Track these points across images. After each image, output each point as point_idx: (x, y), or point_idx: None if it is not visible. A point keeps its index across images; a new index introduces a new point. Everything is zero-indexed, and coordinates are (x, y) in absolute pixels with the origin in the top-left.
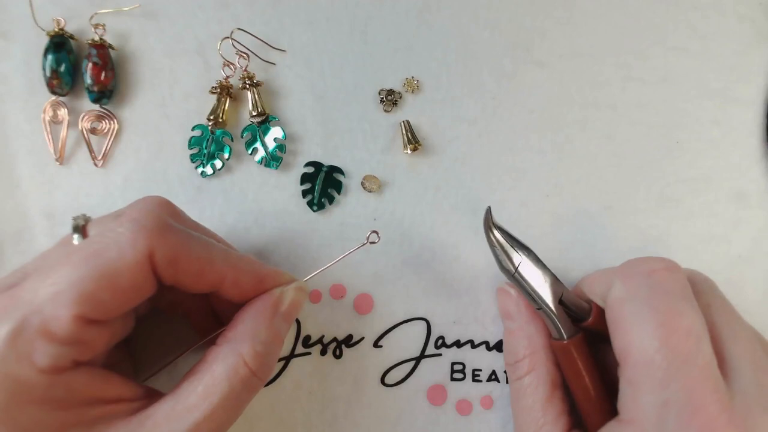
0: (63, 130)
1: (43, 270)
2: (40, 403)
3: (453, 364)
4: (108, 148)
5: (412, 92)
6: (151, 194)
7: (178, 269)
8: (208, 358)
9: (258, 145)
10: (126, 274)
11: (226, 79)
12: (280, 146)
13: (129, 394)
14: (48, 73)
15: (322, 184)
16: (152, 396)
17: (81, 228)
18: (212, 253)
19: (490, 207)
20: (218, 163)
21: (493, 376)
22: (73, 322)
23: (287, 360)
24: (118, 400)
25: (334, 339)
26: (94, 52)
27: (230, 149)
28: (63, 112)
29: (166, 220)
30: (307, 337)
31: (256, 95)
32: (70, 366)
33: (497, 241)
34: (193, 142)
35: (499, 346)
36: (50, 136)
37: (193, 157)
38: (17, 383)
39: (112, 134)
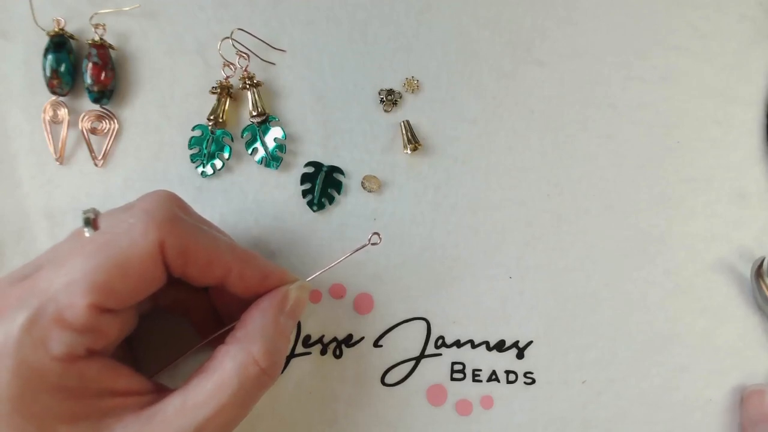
0: (63, 130)
1: (57, 261)
2: (54, 392)
3: (453, 364)
4: (108, 148)
5: (412, 92)
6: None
7: (187, 260)
8: (218, 356)
9: (258, 145)
10: (138, 264)
11: (226, 79)
12: (280, 146)
13: (138, 388)
14: (48, 73)
15: (322, 184)
16: (161, 391)
17: (92, 221)
18: (219, 245)
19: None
20: (218, 163)
21: (493, 376)
22: (87, 311)
23: (287, 360)
24: (128, 393)
25: (334, 339)
26: (94, 52)
27: (230, 149)
28: (63, 112)
29: (175, 212)
30: (308, 337)
31: (256, 95)
32: (83, 354)
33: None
34: (193, 142)
35: (499, 346)
36: (50, 136)
37: (193, 157)
38: (32, 371)
39: (112, 134)
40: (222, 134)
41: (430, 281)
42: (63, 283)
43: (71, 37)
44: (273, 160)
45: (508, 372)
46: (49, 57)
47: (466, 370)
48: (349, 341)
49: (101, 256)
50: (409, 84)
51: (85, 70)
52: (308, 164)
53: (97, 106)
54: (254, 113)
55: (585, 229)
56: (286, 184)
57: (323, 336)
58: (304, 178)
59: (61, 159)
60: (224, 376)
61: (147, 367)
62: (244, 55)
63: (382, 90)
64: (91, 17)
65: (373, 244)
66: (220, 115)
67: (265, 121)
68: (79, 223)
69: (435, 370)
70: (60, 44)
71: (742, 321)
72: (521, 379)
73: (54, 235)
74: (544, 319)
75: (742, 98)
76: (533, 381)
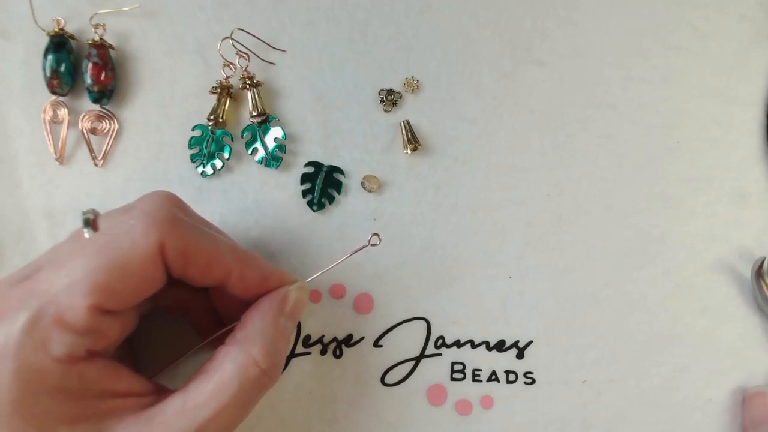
0: (63, 130)
1: (57, 262)
2: (54, 393)
3: (453, 364)
4: (108, 148)
5: (412, 92)
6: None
7: (187, 261)
8: (218, 358)
9: (258, 145)
10: (138, 265)
11: (226, 79)
12: (280, 146)
13: (139, 389)
14: (48, 73)
15: (322, 184)
16: (161, 392)
17: (91, 222)
18: (220, 246)
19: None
20: (218, 163)
21: (493, 376)
22: (87, 312)
23: (287, 360)
24: (129, 394)
25: (334, 339)
26: (94, 52)
27: (230, 149)
28: (63, 112)
29: (176, 213)
30: (307, 337)
31: (256, 95)
32: (84, 356)
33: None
34: (193, 142)
35: (499, 346)
36: (50, 136)
37: (193, 157)
38: (33, 372)
39: (112, 134)
40: (222, 134)
41: (430, 281)
42: (63, 284)
43: (71, 37)
44: (273, 160)
45: (508, 372)
46: (49, 57)
47: (466, 370)
48: (349, 341)
49: (102, 258)
50: (409, 84)
51: (85, 70)
52: (308, 164)
53: (97, 106)
54: (254, 113)
55: (585, 229)
56: (286, 184)
57: (323, 336)
58: (304, 178)
59: (61, 159)
60: (224, 378)
61: (147, 368)
62: (244, 55)
63: (382, 90)
64: (91, 17)
65: (372, 245)
66: (220, 115)
67: (265, 121)
68: (79, 223)
69: (435, 370)
70: (60, 44)
71: (742, 321)
72: (521, 379)
73: (54, 235)
74: (544, 319)
75: (742, 98)
76: (533, 381)
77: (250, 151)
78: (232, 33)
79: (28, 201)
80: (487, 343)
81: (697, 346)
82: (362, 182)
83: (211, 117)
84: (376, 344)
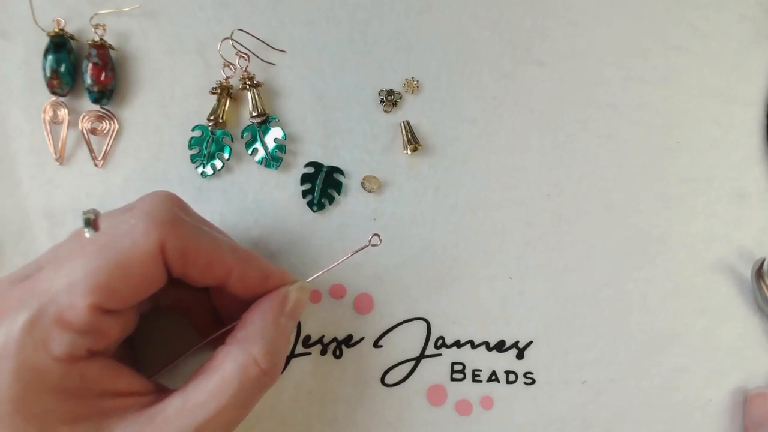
0: (63, 131)
1: (57, 261)
2: (55, 393)
3: (453, 364)
4: (108, 148)
5: (412, 92)
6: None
7: (188, 261)
8: (219, 357)
9: (258, 145)
10: (139, 265)
11: (226, 79)
12: (280, 146)
13: (139, 388)
14: (48, 74)
15: (322, 185)
16: (161, 392)
17: (92, 222)
18: (220, 246)
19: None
20: (218, 164)
21: (493, 377)
22: (88, 311)
23: (287, 360)
24: (129, 394)
25: (334, 339)
26: (94, 52)
27: (230, 149)
28: (63, 113)
29: (176, 212)
30: (307, 337)
31: (256, 95)
32: (84, 355)
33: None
34: (193, 143)
35: (499, 347)
36: (50, 136)
37: (193, 158)
38: (33, 372)
39: (112, 134)
40: (222, 134)
41: (430, 281)
42: (64, 283)
43: (71, 37)
44: (273, 160)
45: (508, 372)
46: (49, 57)
47: (466, 371)
48: (349, 341)
49: (102, 257)
50: (409, 84)
51: (85, 71)
52: (308, 164)
53: (97, 107)
54: (254, 113)
55: (585, 229)
56: (286, 185)
57: (323, 336)
58: (304, 179)
59: (61, 159)
60: (225, 377)
61: (147, 367)
62: (244, 55)
63: (382, 90)
64: (91, 17)
65: (373, 245)
66: (220, 116)
67: (265, 122)
68: (79, 223)
69: (435, 370)
70: (60, 44)
71: (742, 321)
72: (521, 379)
73: (54, 235)
74: (544, 319)
75: (742, 98)
76: (533, 381)
77: (250, 151)
78: (232, 33)
79: (28, 201)
80: (487, 343)
81: (697, 346)
82: (362, 182)
83: (211, 117)
84: (376, 344)
